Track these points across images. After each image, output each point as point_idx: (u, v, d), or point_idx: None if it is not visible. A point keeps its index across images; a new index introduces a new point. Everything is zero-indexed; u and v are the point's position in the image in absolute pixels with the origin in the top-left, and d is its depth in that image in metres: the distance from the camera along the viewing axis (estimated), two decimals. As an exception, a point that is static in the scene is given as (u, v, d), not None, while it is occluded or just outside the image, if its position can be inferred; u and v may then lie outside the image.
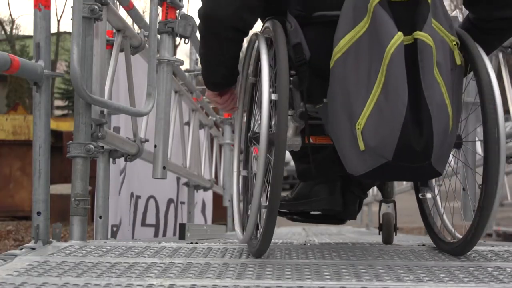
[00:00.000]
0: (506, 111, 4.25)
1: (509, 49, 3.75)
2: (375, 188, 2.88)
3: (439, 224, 2.55)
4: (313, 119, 2.41)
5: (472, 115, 3.77)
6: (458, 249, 2.26)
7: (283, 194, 2.83)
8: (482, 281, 1.84)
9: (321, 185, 2.70)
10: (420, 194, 2.52)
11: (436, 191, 2.65)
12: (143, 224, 5.44)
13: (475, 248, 2.39)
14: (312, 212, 2.80)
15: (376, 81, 2.07)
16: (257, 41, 2.41)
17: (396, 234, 2.74)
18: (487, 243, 3.11)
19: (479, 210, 2.14)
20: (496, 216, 11.53)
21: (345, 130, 2.15)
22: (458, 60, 2.18)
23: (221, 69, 2.53)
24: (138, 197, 5.25)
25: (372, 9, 2.11)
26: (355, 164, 2.16)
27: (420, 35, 2.10)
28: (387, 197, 2.74)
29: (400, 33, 2.07)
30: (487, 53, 2.43)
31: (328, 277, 1.87)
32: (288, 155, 2.59)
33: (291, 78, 2.34)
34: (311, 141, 2.42)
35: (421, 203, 2.57)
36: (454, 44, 2.18)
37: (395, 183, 2.78)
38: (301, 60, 2.32)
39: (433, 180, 2.59)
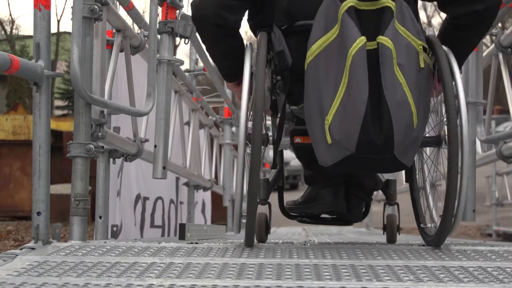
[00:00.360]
0: (506, 111, 4.25)
1: (509, 49, 3.74)
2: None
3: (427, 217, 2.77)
4: (303, 123, 2.62)
5: (472, 115, 3.78)
6: (433, 241, 2.49)
7: (294, 198, 3.07)
8: (482, 281, 1.84)
9: (326, 189, 2.89)
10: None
11: (427, 183, 2.86)
12: (152, 225, 5.46)
13: (475, 248, 2.41)
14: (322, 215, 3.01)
15: (341, 81, 2.31)
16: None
17: (399, 234, 2.94)
18: (487, 243, 3.11)
19: (445, 207, 2.38)
20: (496, 216, 11.56)
21: (317, 125, 2.40)
22: (422, 62, 2.38)
23: (224, 60, 2.78)
24: (146, 198, 5.27)
25: (341, 16, 2.35)
26: (324, 156, 2.41)
27: (381, 39, 2.32)
28: (390, 199, 2.93)
29: (362, 37, 2.31)
30: (470, 51, 2.74)
31: (328, 277, 1.87)
32: (288, 155, 2.69)
33: (277, 83, 2.65)
34: (299, 141, 2.67)
35: (414, 197, 2.80)
36: (420, 48, 2.38)
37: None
38: (284, 65, 2.59)
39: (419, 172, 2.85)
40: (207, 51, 2.81)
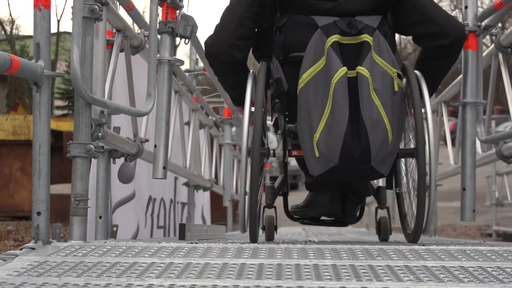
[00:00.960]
0: (506, 111, 4.24)
1: (509, 49, 3.73)
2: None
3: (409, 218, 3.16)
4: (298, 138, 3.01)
5: (471, 115, 3.78)
6: (411, 238, 2.97)
7: (294, 197, 3.47)
8: (482, 281, 1.84)
9: (324, 194, 3.30)
10: (397, 189, 3.16)
11: (408, 187, 3.23)
12: (158, 226, 5.47)
13: (475, 248, 2.41)
14: (322, 218, 3.42)
15: (327, 104, 2.76)
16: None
17: (391, 234, 3.33)
18: (487, 243, 3.11)
19: (418, 209, 2.84)
20: (496, 216, 11.56)
21: (307, 141, 2.84)
22: (396, 87, 2.82)
23: (233, 90, 3.24)
24: (155, 200, 5.28)
25: (326, 50, 2.80)
26: (313, 167, 2.85)
27: (359, 69, 2.78)
28: (381, 204, 3.31)
29: (344, 67, 2.77)
30: (442, 77, 3.23)
31: (328, 277, 1.87)
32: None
33: (276, 105, 3.07)
34: (296, 153, 3.10)
35: (398, 199, 3.20)
36: (395, 75, 2.83)
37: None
38: (281, 90, 3.02)
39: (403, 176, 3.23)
40: (219, 81, 3.27)
